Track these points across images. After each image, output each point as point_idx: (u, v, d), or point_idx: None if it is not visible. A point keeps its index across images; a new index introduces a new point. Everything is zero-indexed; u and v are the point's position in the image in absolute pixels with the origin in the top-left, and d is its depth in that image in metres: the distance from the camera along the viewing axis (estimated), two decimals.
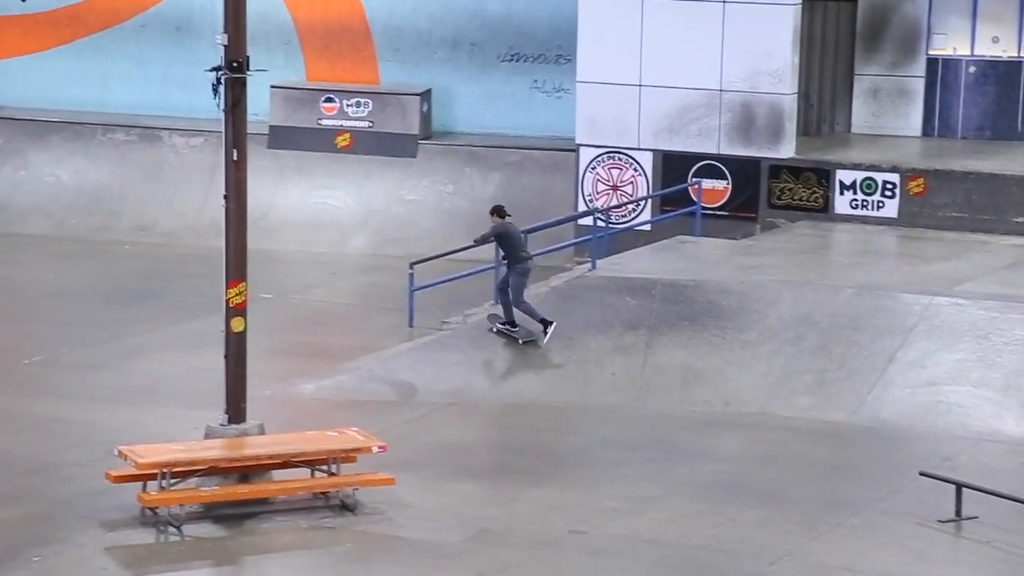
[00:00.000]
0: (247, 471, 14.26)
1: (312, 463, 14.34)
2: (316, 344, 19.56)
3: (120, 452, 13.98)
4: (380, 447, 14.39)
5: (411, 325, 19.63)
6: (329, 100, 24.98)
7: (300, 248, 23.92)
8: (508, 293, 18.38)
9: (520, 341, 18.24)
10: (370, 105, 24.81)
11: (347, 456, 14.35)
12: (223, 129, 14.32)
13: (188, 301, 20.69)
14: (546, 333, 18.18)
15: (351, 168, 24.71)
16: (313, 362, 18.75)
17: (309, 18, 25.72)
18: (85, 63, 26.57)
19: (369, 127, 24.81)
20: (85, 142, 25.67)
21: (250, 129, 14.58)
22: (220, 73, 14.14)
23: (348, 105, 24.89)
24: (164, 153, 25.40)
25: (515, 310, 18.34)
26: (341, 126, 24.90)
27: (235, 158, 14.28)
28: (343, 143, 24.88)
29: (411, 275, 19.76)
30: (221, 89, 14.16)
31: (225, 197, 14.43)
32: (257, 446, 14.32)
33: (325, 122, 24.96)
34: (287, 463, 14.30)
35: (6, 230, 24.80)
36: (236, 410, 14.55)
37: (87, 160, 25.57)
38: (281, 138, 24.95)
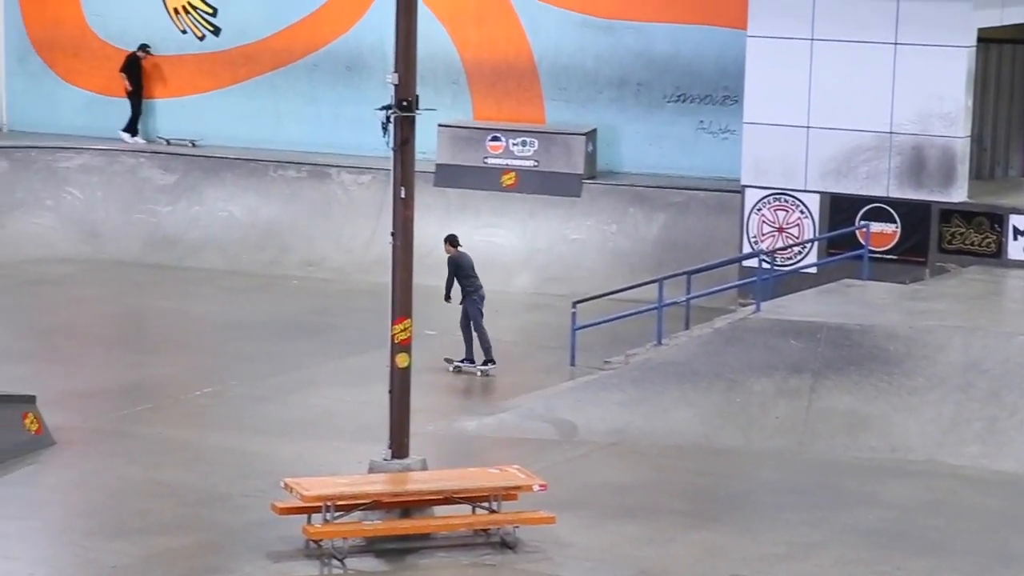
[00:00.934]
0: (409, 506, 14.39)
1: (473, 500, 14.40)
2: (479, 381, 19.66)
3: (286, 484, 14.20)
4: (541, 485, 14.40)
5: (573, 364, 19.65)
6: (495, 139, 25.17)
7: None
8: (469, 328, 18.86)
9: (479, 374, 19.02)
10: (536, 144, 24.94)
11: (508, 494, 14.39)
12: (391, 167, 14.52)
13: (354, 336, 20.96)
14: (486, 367, 19.14)
15: (516, 207, 24.83)
16: (475, 399, 18.85)
17: (477, 58, 25.98)
18: (259, 101, 27.13)
19: (534, 166, 24.94)
20: (258, 178, 26.19)
21: (417, 167, 14.77)
22: (390, 112, 14.35)
23: (514, 144, 25.05)
24: (333, 190, 25.80)
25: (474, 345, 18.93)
26: (507, 165, 25.06)
27: (403, 196, 14.46)
28: (508, 182, 25.03)
29: (574, 314, 19.78)
30: (390, 127, 14.37)
31: (392, 234, 14.61)
32: (420, 481, 14.44)
33: (491, 161, 25.15)
34: (449, 499, 14.38)
35: (181, 264, 25.38)
36: (399, 445, 14.69)
37: (259, 196, 26.07)
38: (447, 176, 25.20)
